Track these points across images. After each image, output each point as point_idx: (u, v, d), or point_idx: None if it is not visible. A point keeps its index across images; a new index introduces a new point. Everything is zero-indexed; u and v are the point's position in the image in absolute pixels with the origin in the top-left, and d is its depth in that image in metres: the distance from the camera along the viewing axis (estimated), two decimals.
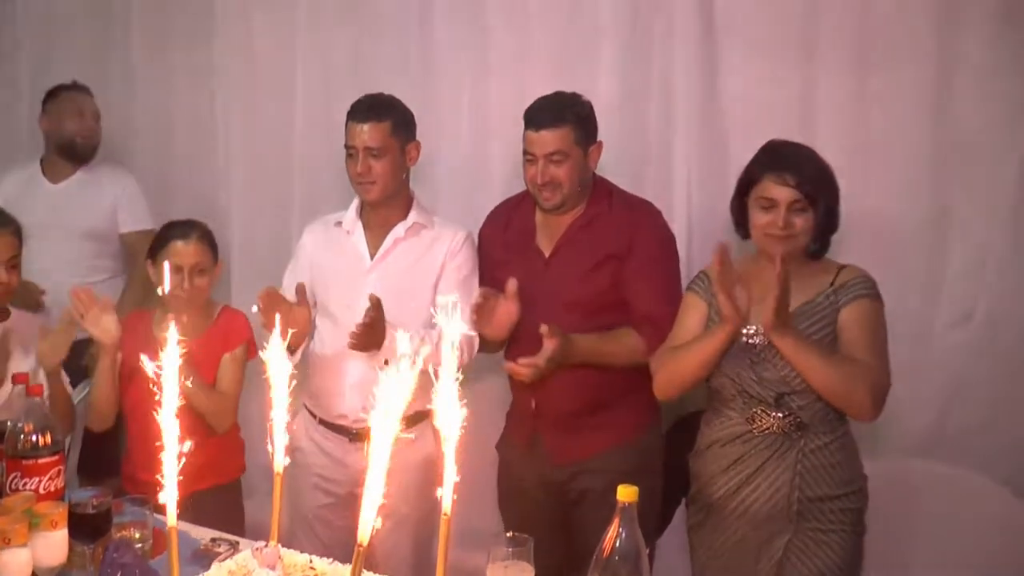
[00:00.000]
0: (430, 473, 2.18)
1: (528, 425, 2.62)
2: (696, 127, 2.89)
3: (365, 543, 1.40)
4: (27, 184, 3.47)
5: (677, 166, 2.92)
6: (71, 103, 3.44)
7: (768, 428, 2.18)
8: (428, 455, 2.32)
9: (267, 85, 3.58)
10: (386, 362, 2.49)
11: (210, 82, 3.68)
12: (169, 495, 1.51)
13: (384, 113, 2.58)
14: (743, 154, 2.38)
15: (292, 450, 2.76)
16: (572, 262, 2.54)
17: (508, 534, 1.80)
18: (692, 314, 2.31)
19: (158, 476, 1.46)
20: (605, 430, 2.54)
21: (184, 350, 1.52)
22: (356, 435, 2.61)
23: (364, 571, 1.44)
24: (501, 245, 2.68)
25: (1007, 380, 2.65)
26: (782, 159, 2.21)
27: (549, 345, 2.37)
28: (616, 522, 1.54)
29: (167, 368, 1.51)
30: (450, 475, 1.51)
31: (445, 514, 1.56)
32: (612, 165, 2.72)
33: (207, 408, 2.54)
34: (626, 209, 2.58)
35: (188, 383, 2.17)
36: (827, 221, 2.21)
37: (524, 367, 2.41)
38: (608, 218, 2.55)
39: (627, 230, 2.53)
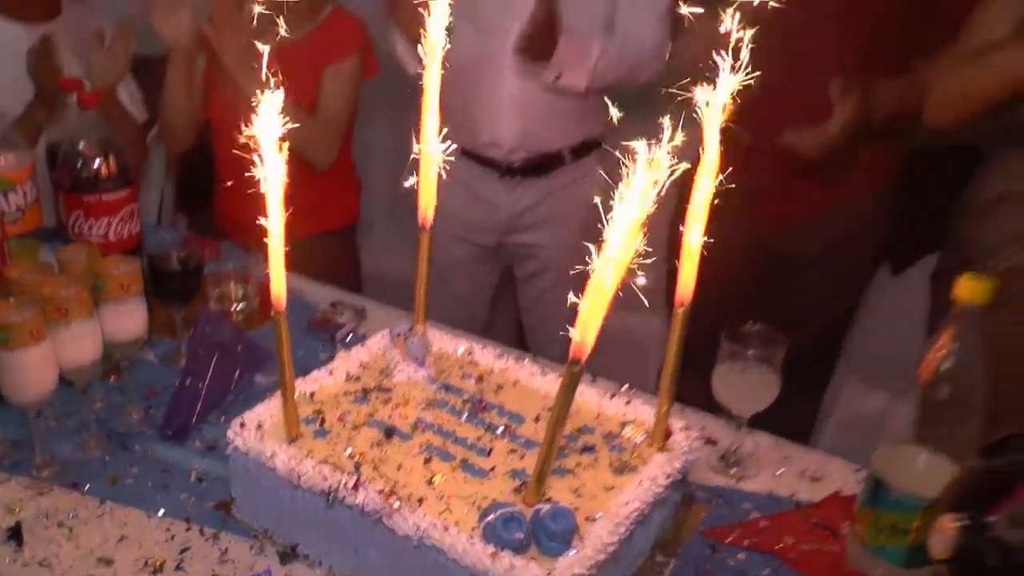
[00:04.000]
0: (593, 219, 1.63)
1: (736, 158, 1.96)
2: None
3: (584, 359, 0.89)
4: None
5: None
6: None
7: None
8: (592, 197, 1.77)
9: None
10: (558, 77, 1.92)
11: None
12: (275, 267, 1.02)
13: None
14: None
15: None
16: None
17: (749, 325, 1.27)
18: (998, 11, 1.59)
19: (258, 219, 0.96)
20: (848, 174, 1.88)
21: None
22: (510, 170, 2.05)
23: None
24: None
25: None
26: None
27: (847, 106, 1.66)
28: (951, 332, 1.00)
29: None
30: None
31: (680, 305, 1.05)
32: None
33: (299, 137, 1.99)
34: None
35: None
36: None
37: (803, 141, 1.73)
38: None
39: None
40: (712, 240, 1.06)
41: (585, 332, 0.89)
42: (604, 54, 1.88)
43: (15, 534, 1.10)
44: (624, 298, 0.89)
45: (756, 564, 1.13)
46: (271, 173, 0.98)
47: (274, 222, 1.00)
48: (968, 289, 1.00)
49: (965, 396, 1.02)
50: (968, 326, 1.01)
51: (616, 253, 0.83)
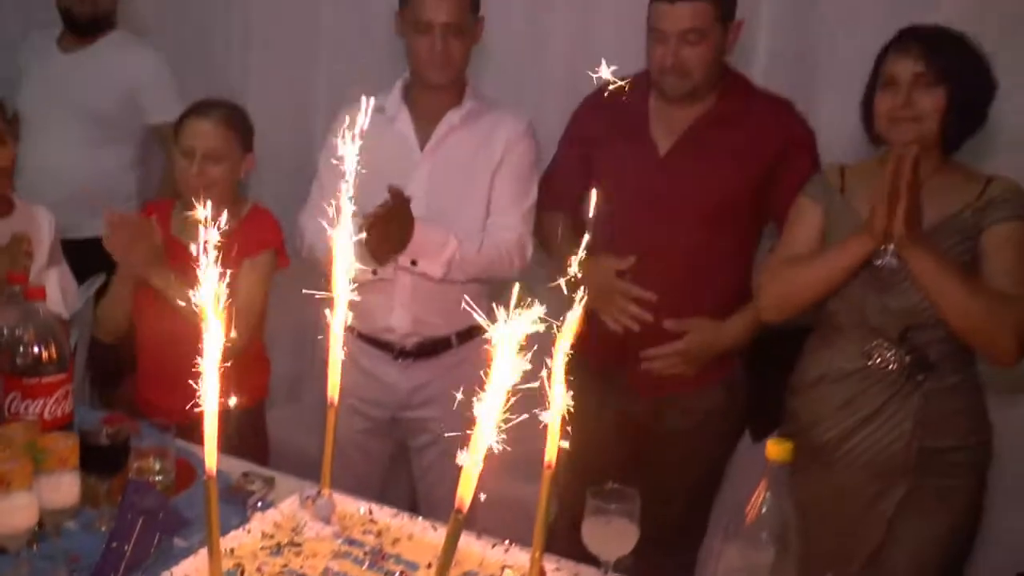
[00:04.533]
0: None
1: (612, 349, 2.28)
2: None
3: (465, 509, 1.09)
4: (40, 51, 3.08)
5: (759, 47, 2.56)
6: None
7: (888, 365, 1.88)
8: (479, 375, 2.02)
9: None
10: (413, 263, 2.19)
11: None
12: (208, 448, 1.22)
13: None
14: (837, 40, 2.25)
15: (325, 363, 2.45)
16: (697, 161, 2.18)
17: (609, 485, 1.51)
18: (808, 221, 1.97)
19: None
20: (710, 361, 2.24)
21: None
22: (403, 352, 2.29)
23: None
24: (605, 122, 2.30)
25: None
26: (909, 33, 1.88)
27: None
28: (763, 485, 1.24)
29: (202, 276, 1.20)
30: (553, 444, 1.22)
31: (548, 465, 1.28)
32: None
33: None
34: (769, 108, 2.21)
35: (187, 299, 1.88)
36: (964, 108, 1.84)
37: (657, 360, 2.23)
38: (746, 117, 2.18)
39: (774, 138, 2.16)
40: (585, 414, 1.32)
41: (465, 487, 1.11)
42: (461, 247, 2.18)
43: None
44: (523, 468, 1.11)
45: None
46: (209, 361, 1.18)
47: (211, 401, 1.20)
48: (774, 450, 1.27)
49: (780, 537, 1.27)
50: (777, 480, 1.26)
51: (486, 421, 1.06)
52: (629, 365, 2.28)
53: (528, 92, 2.82)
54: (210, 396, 1.20)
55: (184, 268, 2.02)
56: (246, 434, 2.29)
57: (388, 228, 2.06)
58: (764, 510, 1.26)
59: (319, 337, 1.42)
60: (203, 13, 3.36)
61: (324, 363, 1.46)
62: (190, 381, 1.39)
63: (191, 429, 1.75)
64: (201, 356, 1.31)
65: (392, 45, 2.80)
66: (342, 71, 3.13)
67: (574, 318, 1.22)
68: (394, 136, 2.31)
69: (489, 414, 1.05)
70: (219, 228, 1.22)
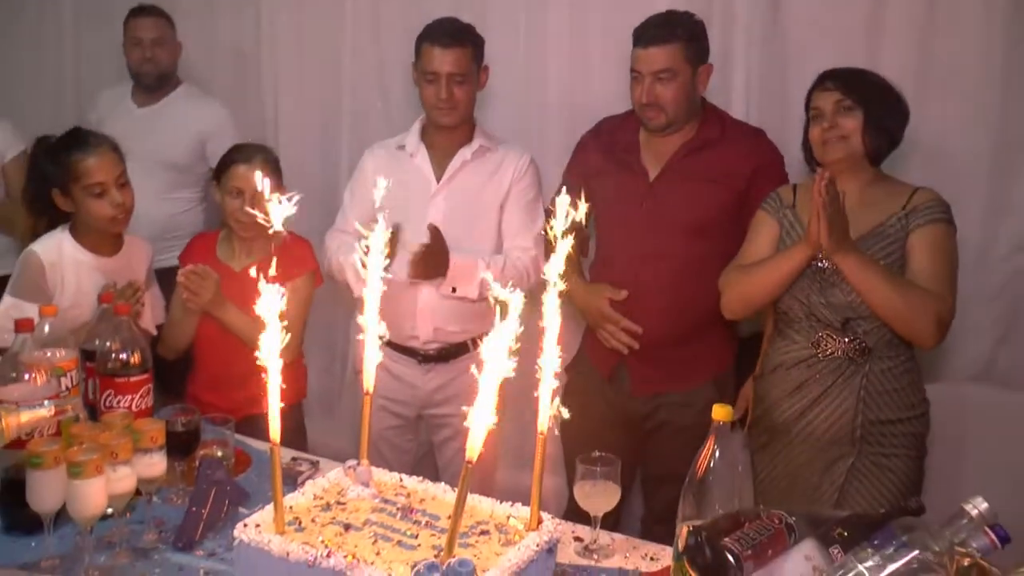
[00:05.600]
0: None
1: (613, 354, 2.63)
2: (757, 52, 2.87)
3: (474, 459, 1.43)
4: (117, 104, 3.44)
5: (736, 90, 2.90)
6: (132, 31, 3.39)
7: (833, 352, 2.21)
8: None
9: (314, 10, 3.55)
10: (453, 290, 2.55)
11: (256, 8, 3.65)
12: (272, 415, 1.56)
13: (465, 39, 2.60)
14: (805, 79, 2.37)
15: (357, 372, 2.84)
16: (681, 185, 2.53)
17: (595, 454, 1.84)
18: (764, 232, 2.32)
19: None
20: (695, 365, 2.58)
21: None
22: (426, 357, 2.66)
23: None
24: (602, 154, 2.67)
25: None
26: (828, 74, 2.26)
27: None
28: (711, 441, 1.57)
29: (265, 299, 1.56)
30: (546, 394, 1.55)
31: (541, 433, 1.61)
32: None
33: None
34: (743, 136, 2.57)
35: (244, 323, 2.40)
36: (879, 125, 2.20)
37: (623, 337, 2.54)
38: (722, 145, 2.54)
39: (747, 162, 2.52)
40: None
41: (473, 444, 1.44)
42: (489, 270, 2.53)
43: None
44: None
45: None
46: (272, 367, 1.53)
47: (274, 397, 1.54)
48: (719, 412, 1.59)
49: (726, 484, 1.59)
50: (721, 436, 1.59)
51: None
52: (627, 368, 2.62)
53: (530, 130, 3.16)
54: (273, 390, 1.55)
55: (232, 290, 2.42)
56: (289, 428, 2.63)
57: (429, 261, 2.43)
58: (711, 463, 1.58)
59: (358, 337, 1.76)
60: (240, 67, 3.74)
61: (353, 377, 1.80)
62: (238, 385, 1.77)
63: (241, 424, 2.14)
64: (248, 366, 1.67)
65: (404, 92, 3.19)
66: (361, 115, 3.50)
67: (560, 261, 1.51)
68: (414, 170, 2.69)
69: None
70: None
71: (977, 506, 1.29)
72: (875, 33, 2.72)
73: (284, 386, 1.66)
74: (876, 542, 1.29)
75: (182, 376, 2.79)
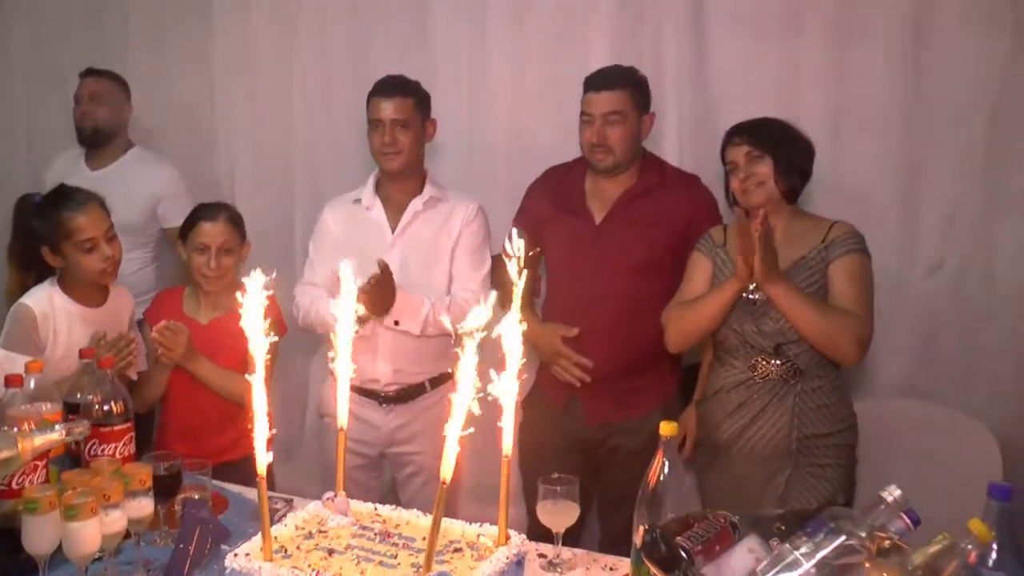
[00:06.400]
0: None
1: (566, 387, 2.80)
2: (687, 99, 3.10)
3: (448, 479, 1.57)
4: (71, 167, 3.51)
5: (668, 136, 3.11)
6: (80, 89, 3.51)
7: (768, 374, 2.40)
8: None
9: (265, 71, 3.70)
10: (396, 323, 2.70)
11: (208, 70, 3.80)
12: (259, 449, 1.69)
13: (407, 90, 2.79)
14: (731, 123, 2.58)
15: (322, 416, 2.96)
16: (625, 227, 2.73)
17: (555, 475, 1.99)
18: (699, 272, 2.52)
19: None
20: (643, 393, 2.75)
21: None
22: (386, 398, 2.79)
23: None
24: (550, 201, 2.86)
25: (977, 323, 2.92)
26: (735, 129, 2.51)
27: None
28: (660, 455, 1.73)
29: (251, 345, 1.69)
30: (508, 418, 1.70)
31: (506, 456, 1.76)
32: None
33: (242, 392, 2.63)
34: (680, 182, 2.80)
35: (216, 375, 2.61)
36: (789, 167, 2.43)
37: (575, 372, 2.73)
38: (662, 190, 2.75)
39: (685, 206, 2.73)
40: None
41: (447, 464, 1.59)
42: (433, 310, 2.71)
43: None
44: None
45: None
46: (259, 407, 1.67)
47: (261, 434, 1.67)
48: (666, 428, 1.76)
49: (672, 492, 1.75)
50: (669, 450, 1.75)
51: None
52: (580, 399, 2.79)
53: (477, 177, 3.34)
54: (260, 428, 1.68)
55: (199, 343, 2.54)
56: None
57: (376, 295, 2.58)
58: (661, 476, 1.74)
59: (330, 378, 1.90)
60: (194, 126, 3.87)
61: (316, 421, 1.90)
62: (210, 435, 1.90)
63: (214, 471, 2.25)
64: (218, 416, 1.80)
65: (355, 148, 3.35)
66: (314, 170, 3.66)
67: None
68: (371, 222, 2.85)
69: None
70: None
71: (892, 493, 1.47)
72: (793, 81, 2.97)
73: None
74: (809, 530, 1.46)
75: (148, 429, 2.89)
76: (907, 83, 2.87)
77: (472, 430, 1.54)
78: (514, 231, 1.67)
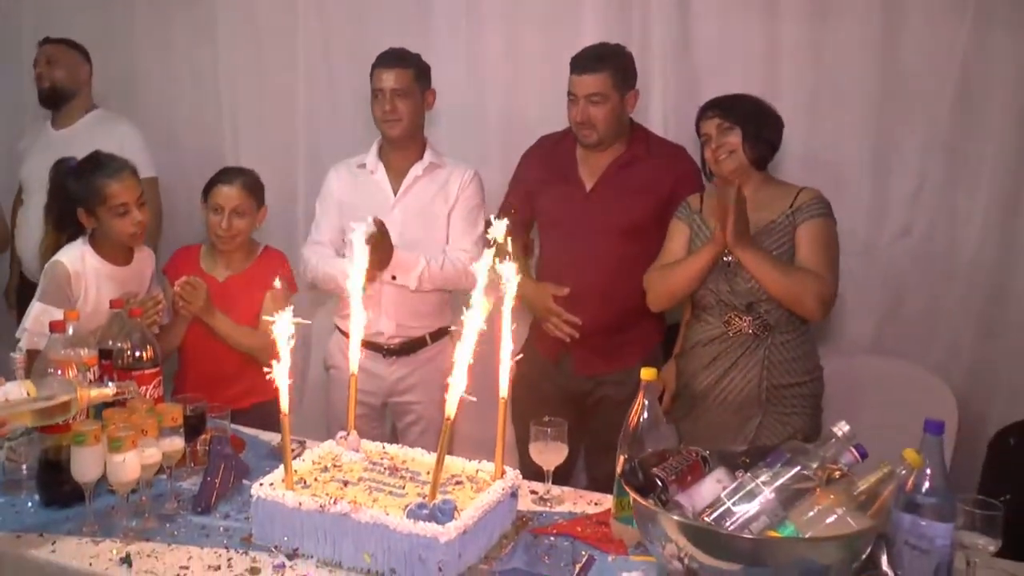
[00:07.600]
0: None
1: (557, 341, 3.00)
2: (672, 72, 3.28)
3: (452, 416, 1.78)
4: (39, 129, 3.77)
5: (654, 108, 3.30)
6: (38, 55, 3.71)
7: (740, 330, 2.61)
8: (450, 367, 2.71)
9: (268, 40, 3.87)
10: (393, 277, 2.90)
11: (212, 39, 3.95)
12: (282, 387, 1.89)
13: (407, 62, 2.97)
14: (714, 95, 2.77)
15: (328, 368, 3.16)
16: (614, 194, 2.92)
17: (545, 418, 2.19)
18: (678, 237, 2.72)
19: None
20: (629, 348, 2.96)
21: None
22: (390, 351, 3.00)
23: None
24: (543, 169, 3.05)
25: (940, 285, 3.14)
26: (708, 104, 2.69)
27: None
28: (640, 397, 1.93)
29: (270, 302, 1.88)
30: (506, 361, 1.90)
31: (503, 398, 1.96)
32: None
33: (254, 346, 2.83)
34: (665, 152, 2.98)
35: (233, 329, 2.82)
36: (757, 137, 2.61)
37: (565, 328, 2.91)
38: (648, 160, 2.94)
39: (669, 174, 2.91)
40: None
41: (452, 402, 1.79)
42: (428, 267, 2.90)
43: (126, 559, 1.86)
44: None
45: (561, 541, 1.99)
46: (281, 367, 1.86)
47: (283, 374, 1.87)
48: (646, 373, 1.96)
49: (651, 431, 1.96)
50: (649, 393, 1.96)
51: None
52: (570, 353, 2.99)
53: (473, 145, 3.52)
54: (282, 369, 1.88)
55: (215, 298, 2.72)
56: (274, 415, 2.96)
57: (374, 251, 2.77)
58: (642, 417, 1.94)
59: (331, 336, 2.08)
60: (199, 94, 4.04)
61: (322, 373, 2.09)
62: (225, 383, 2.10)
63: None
64: (233, 366, 1.99)
65: (355, 115, 3.51)
66: (315, 136, 3.84)
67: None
68: (374, 185, 3.03)
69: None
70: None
71: (842, 428, 1.68)
72: (773, 58, 3.16)
73: (265, 385, 1.97)
74: (769, 461, 1.67)
75: (166, 377, 3.09)
76: (879, 63, 3.05)
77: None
78: (492, 217, 1.87)
